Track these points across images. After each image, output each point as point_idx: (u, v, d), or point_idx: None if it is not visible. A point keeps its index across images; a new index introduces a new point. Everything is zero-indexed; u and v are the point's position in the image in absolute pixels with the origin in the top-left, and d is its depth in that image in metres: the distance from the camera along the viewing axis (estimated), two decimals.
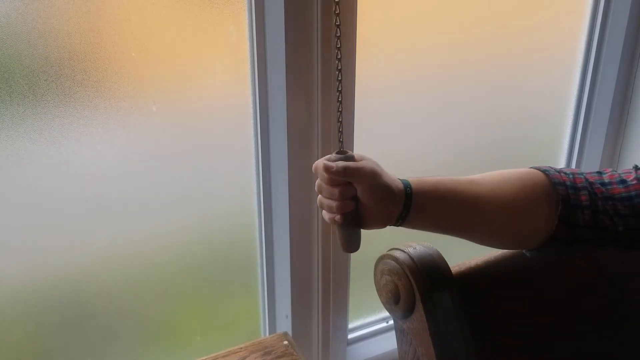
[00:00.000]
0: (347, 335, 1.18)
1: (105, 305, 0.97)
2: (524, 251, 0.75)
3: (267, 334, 1.12)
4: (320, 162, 0.68)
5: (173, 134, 0.92)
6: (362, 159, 0.68)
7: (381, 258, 0.78)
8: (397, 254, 0.76)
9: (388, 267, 0.76)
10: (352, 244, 0.70)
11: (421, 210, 0.67)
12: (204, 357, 0.90)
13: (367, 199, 0.66)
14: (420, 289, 0.73)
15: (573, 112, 1.33)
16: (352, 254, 1.08)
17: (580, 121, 1.32)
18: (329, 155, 0.68)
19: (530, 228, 0.70)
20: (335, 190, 0.66)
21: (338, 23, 0.67)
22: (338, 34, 0.67)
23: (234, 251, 1.05)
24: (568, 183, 0.70)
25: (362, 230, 0.70)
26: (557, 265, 0.83)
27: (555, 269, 0.84)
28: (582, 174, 0.72)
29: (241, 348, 0.92)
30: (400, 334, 0.81)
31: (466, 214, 0.69)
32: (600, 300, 0.87)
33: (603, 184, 0.70)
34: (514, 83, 1.22)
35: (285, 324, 1.10)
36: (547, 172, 0.71)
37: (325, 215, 0.70)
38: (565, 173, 0.71)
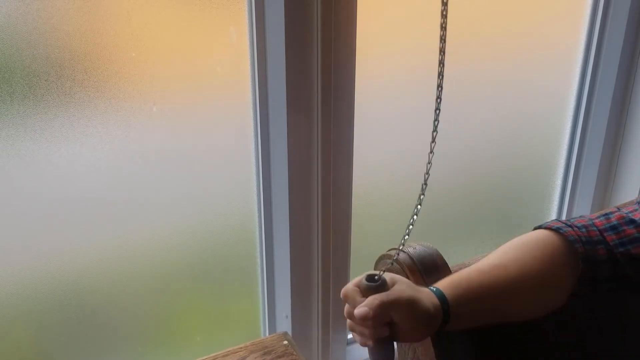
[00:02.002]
0: (346, 336, 1.18)
1: (105, 305, 0.97)
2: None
3: (267, 334, 1.12)
4: (350, 290, 0.63)
5: (173, 134, 0.92)
6: (394, 282, 0.64)
7: (381, 258, 0.78)
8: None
9: (388, 267, 0.76)
10: (385, 358, 0.65)
11: (459, 318, 0.64)
12: (204, 357, 0.90)
13: (404, 326, 0.62)
14: None
15: (572, 112, 1.33)
16: (352, 253, 1.09)
17: (580, 121, 1.32)
18: (357, 281, 0.64)
19: (559, 294, 0.69)
20: (369, 321, 0.61)
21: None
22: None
23: (234, 251, 1.05)
24: (584, 239, 0.68)
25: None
26: None
27: None
28: (592, 223, 0.69)
29: (241, 348, 0.92)
30: None
31: (502, 305, 0.67)
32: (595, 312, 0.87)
33: (613, 227, 0.68)
34: (513, 83, 1.22)
35: (285, 324, 1.10)
36: (560, 231, 0.69)
37: (356, 338, 0.65)
38: (577, 227, 0.69)
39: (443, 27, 0.62)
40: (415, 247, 0.76)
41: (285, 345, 0.92)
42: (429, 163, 0.66)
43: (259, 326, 1.13)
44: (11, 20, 0.76)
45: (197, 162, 0.96)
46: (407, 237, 0.65)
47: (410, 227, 0.65)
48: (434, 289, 0.65)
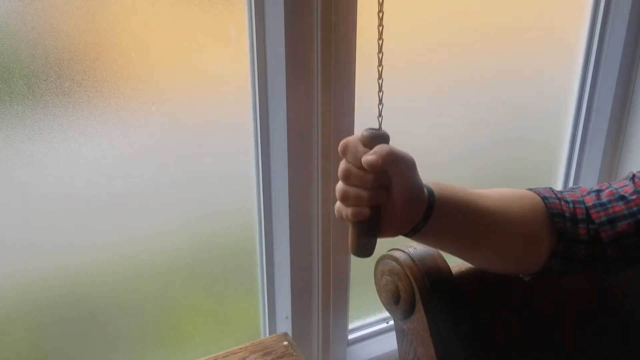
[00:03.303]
0: (347, 336, 1.18)
1: (105, 305, 0.97)
2: (520, 275, 0.72)
3: (267, 335, 1.12)
4: (352, 140, 0.57)
5: (173, 133, 0.92)
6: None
7: (381, 258, 0.78)
8: (398, 254, 0.76)
9: (388, 267, 0.76)
10: (369, 247, 0.60)
11: (439, 220, 0.60)
12: (204, 358, 0.90)
13: (398, 195, 0.57)
14: (420, 289, 0.73)
15: (574, 111, 1.33)
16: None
17: (581, 120, 1.32)
18: (358, 133, 0.58)
19: (531, 252, 0.67)
20: (370, 177, 0.55)
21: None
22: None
23: (234, 251, 1.05)
24: (567, 214, 0.66)
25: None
26: None
27: None
28: (582, 200, 0.67)
29: (241, 348, 0.92)
30: (401, 335, 0.81)
31: (478, 227, 0.64)
32: (590, 304, 0.87)
33: (602, 204, 0.66)
34: (514, 82, 1.22)
35: (285, 325, 1.10)
36: (546, 200, 0.67)
37: (345, 210, 0.58)
38: (565, 201, 0.67)
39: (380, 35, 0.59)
40: (415, 247, 0.76)
41: (285, 345, 0.92)
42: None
43: (259, 327, 1.13)
44: (10, 20, 0.76)
45: (197, 162, 0.96)
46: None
47: None
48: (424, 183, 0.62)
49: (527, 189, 0.70)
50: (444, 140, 1.18)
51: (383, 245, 0.79)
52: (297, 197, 0.98)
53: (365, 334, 1.22)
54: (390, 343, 1.16)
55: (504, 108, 1.23)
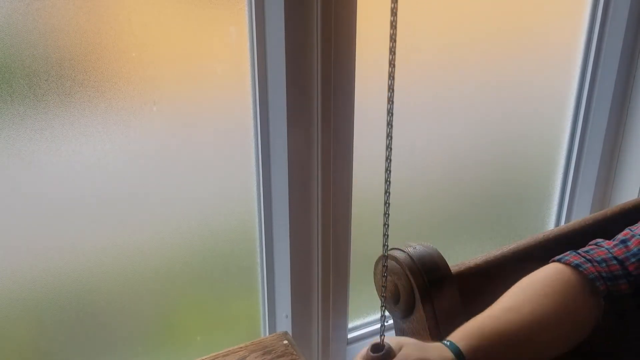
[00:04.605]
0: (347, 335, 1.18)
1: (105, 305, 0.97)
2: None
3: (267, 334, 1.12)
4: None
5: (173, 134, 0.92)
6: (400, 346, 0.62)
7: (381, 258, 0.78)
8: (397, 253, 0.76)
9: (388, 266, 0.76)
10: None
11: None
12: (204, 357, 0.90)
13: None
14: (420, 288, 0.73)
15: (572, 112, 1.33)
16: (352, 253, 1.09)
17: (580, 121, 1.32)
18: (363, 352, 0.63)
19: (579, 331, 0.67)
20: None
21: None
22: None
23: (234, 251, 1.05)
24: (604, 275, 0.66)
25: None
26: None
27: None
28: (612, 256, 0.67)
29: (241, 348, 0.92)
30: (400, 334, 0.81)
31: (519, 350, 0.65)
32: None
33: (634, 255, 0.66)
34: (513, 83, 1.22)
35: (285, 324, 1.10)
36: (579, 268, 0.66)
37: None
38: (596, 262, 0.67)
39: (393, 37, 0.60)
40: (415, 247, 0.77)
41: (285, 345, 0.92)
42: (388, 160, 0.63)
43: (259, 326, 1.13)
44: (11, 20, 0.76)
45: (197, 162, 0.96)
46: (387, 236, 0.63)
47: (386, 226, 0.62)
48: (447, 343, 0.63)
49: (552, 261, 0.70)
50: (443, 141, 1.18)
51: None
52: (297, 197, 0.99)
53: (365, 333, 1.22)
54: None
55: (503, 108, 1.23)
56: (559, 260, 0.69)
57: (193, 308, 1.06)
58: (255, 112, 0.96)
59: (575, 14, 1.25)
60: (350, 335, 1.20)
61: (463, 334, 0.63)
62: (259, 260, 1.07)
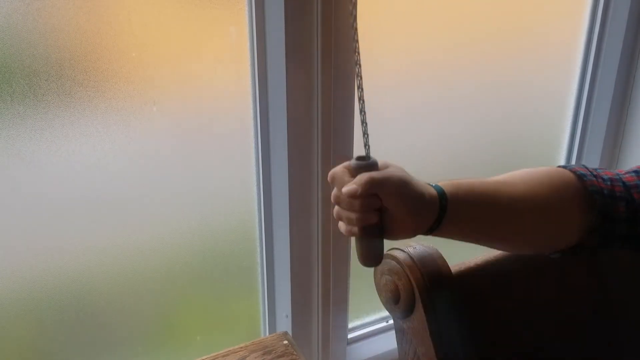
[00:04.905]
0: (347, 335, 1.18)
1: (105, 305, 0.97)
2: (548, 254, 0.70)
3: (267, 334, 1.12)
4: (338, 171, 0.60)
5: (173, 134, 0.92)
6: (386, 165, 0.61)
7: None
8: (397, 253, 0.76)
9: (388, 266, 0.76)
10: (372, 257, 0.63)
11: (455, 219, 0.61)
12: (204, 357, 0.90)
13: (395, 211, 0.59)
14: (420, 288, 0.73)
15: (572, 112, 1.33)
16: (352, 253, 1.09)
17: (580, 121, 1.33)
18: (347, 162, 0.61)
19: (562, 232, 0.65)
20: (356, 202, 0.58)
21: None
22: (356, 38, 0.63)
23: (234, 251, 1.05)
24: (605, 192, 0.64)
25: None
26: (550, 265, 0.83)
27: (550, 269, 0.84)
28: (620, 178, 0.66)
29: (241, 348, 0.92)
30: (400, 334, 0.81)
31: (501, 219, 0.63)
32: (589, 300, 0.87)
33: None
34: (513, 83, 1.22)
35: (285, 324, 1.10)
36: (583, 177, 0.65)
37: (342, 227, 0.62)
38: (602, 178, 0.66)
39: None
40: (415, 247, 0.77)
41: (285, 344, 0.92)
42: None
43: (259, 326, 1.13)
44: (11, 20, 0.76)
45: (197, 162, 0.96)
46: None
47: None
48: (433, 184, 0.62)
49: (559, 166, 0.69)
50: (443, 141, 1.18)
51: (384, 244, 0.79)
52: (297, 197, 0.99)
53: (365, 333, 1.22)
54: (389, 342, 1.17)
55: (503, 108, 1.23)
56: (565, 167, 0.68)
57: (193, 308, 1.06)
58: (255, 112, 0.96)
59: (575, 14, 1.25)
60: (350, 335, 1.20)
61: (451, 183, 0.62)
62: (259, 260, 1.07)
